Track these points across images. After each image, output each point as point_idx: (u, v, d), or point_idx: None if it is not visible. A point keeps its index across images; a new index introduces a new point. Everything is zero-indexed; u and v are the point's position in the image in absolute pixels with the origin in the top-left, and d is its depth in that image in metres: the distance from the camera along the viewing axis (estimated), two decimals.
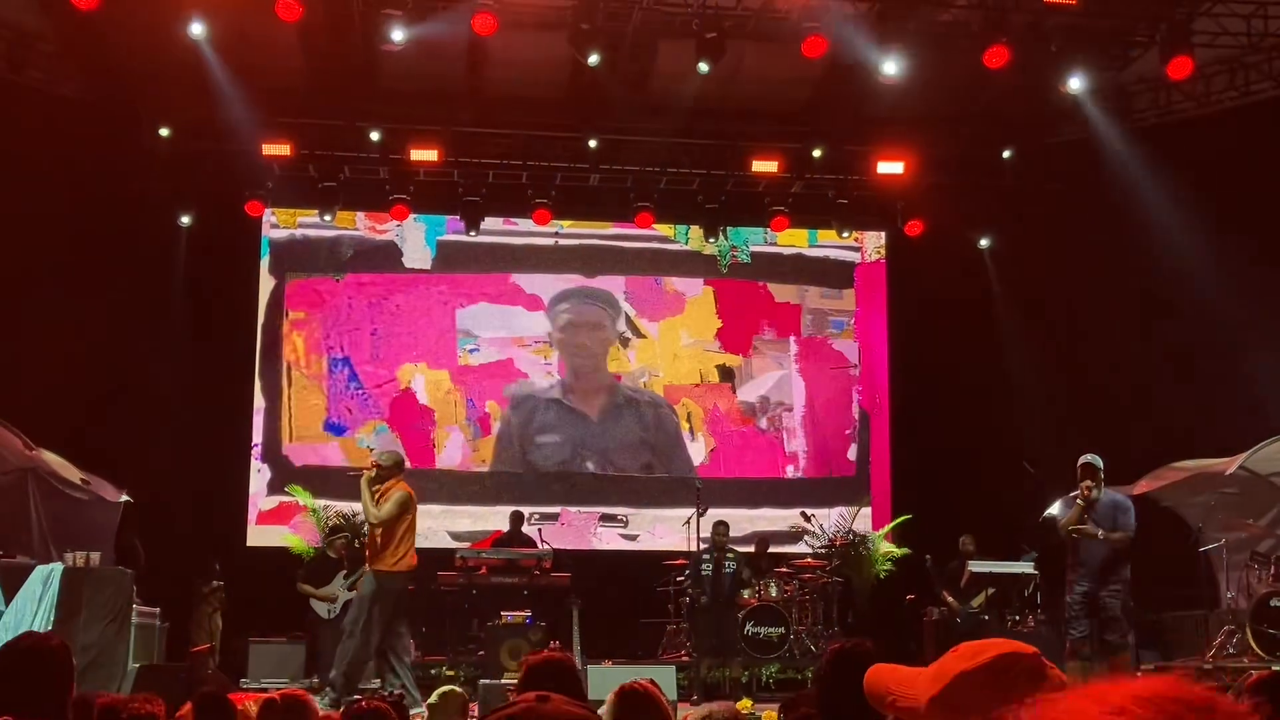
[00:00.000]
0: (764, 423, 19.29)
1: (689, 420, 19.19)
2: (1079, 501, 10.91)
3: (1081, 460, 10.99)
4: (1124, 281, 16.57)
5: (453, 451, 18.40)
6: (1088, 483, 10.85)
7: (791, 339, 19.36)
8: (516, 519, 16.48)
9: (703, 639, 13.93)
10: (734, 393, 19.40)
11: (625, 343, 19.21)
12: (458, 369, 18.52)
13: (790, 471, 19.08)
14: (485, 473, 18.35)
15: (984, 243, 18.29)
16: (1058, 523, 11.33)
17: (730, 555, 13.99)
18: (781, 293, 19.41)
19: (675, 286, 19.29)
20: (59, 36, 15.43)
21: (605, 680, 12.59)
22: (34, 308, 15.11)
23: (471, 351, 18.57)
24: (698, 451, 19.05)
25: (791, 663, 14.58)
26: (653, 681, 4.46)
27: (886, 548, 17.16)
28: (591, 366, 18.97)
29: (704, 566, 13.82)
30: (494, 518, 17.47)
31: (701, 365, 19.36)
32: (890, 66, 14.20)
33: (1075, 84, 15.13)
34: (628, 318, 19.27)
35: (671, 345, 19.32)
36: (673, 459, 18.81)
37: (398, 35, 13.89)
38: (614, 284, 19.14)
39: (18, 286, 14.93)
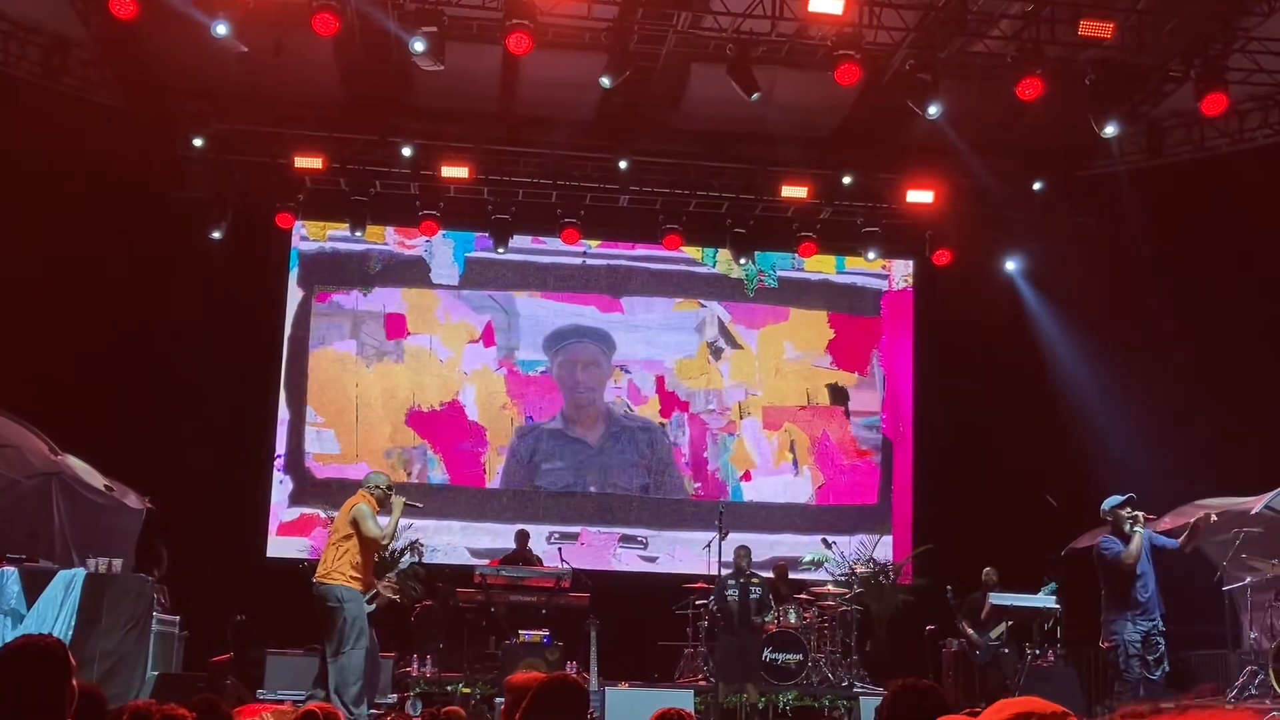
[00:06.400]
0: (879, 457, 19.10)
1: (792, 450, 18.89)
2: (1137, 530, 10.74)
3: (1121, 498, 10.88)
4: (1150, 315, 16.47)
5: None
6: (1141, 514, 10.79)
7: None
8: (522, 538, 16.47)
9: (725, 664, 13.85)
10: (848, 418, 19.15)
11: (718, 354, 19.03)
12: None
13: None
14: (504, 490, 18.36)
15: (1011, 265, 18.22)
16: (1112, 556, 10.95)
17: (755, 580, 13.95)
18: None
19: None
20: (96, 45, 15.54)
21: (622, 703, 12.58)
22: (63, 313, 15.19)
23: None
24: (801, 488, 18.83)
25: (809, 690, 14.49)
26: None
27: (903, 595, 17.04)
28: (589, 400, 18.89)
29: (729, 591, 13.77)
30: (512, 534, 17.47)
31: (809, 384, 19.23)
32: (934, 109, 14.18)
33: (1110, 131, 14.99)
34: (721, 324, 19.03)
35: (773, 359, 19.13)
36: (665, 481, 18.77)
37: (420, 46, 13.78)
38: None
39: (47, 292, 15.01)
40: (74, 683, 3.99)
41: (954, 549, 16.56)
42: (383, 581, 12.19)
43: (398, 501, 11.35)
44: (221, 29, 13.41)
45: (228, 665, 12.80)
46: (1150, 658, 10.63)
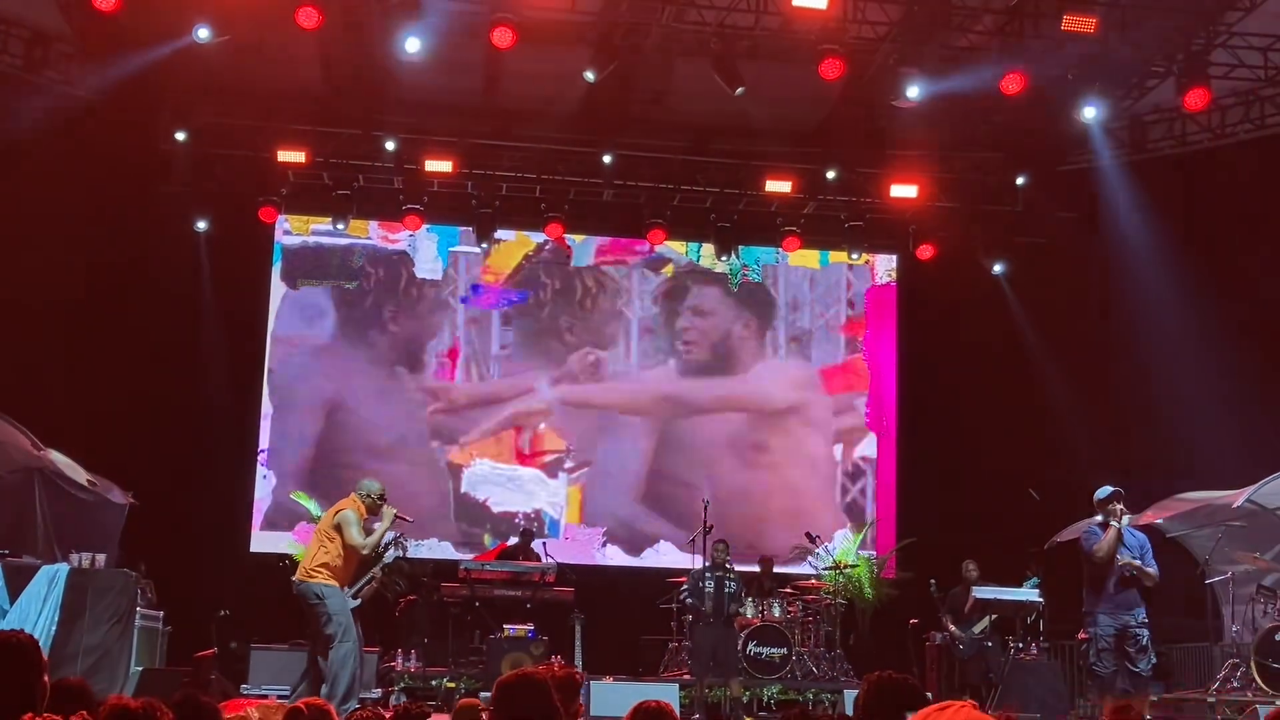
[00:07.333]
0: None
1: None
2: (1113, 523, 10.67)
3: (1111, 489, 10.82)
4: (1133, 310, 16.53)
5: None
6: (1121, 508, 10.70)
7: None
8: (526, 535, 16.43)
9: (701, 657, 13.85)
10: None
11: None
12: None
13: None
14: None
15: (997, 268, 18.21)
16: (1088, 547, 10.91)
17: (731, 575, 13.94)
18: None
19: None
20: (77, 37, 15.45)
21: (606, 697, 12.57)
22: (45, 307, 15.13)
23: None
24: None
25: (793, 683, 14.50)
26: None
27: (886, 589, 17.07)
28: None
29: (705, 584, 13.77)
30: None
31: None
32: (913, 91, 14.19)
33: (1091, 113, 15.09)
34: None
35: None
36: None
37: (413, 47, 13.84)
38: None
39: (29, 286, 14.93)
40: (45, 679, 4.00)
41: (937, 543, 16.61)
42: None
43: (388, 513, 11.11)
44: (203, 33, 13.42)
45: (212, 660, 12.77)
46: (1132, 649, 10.59)
